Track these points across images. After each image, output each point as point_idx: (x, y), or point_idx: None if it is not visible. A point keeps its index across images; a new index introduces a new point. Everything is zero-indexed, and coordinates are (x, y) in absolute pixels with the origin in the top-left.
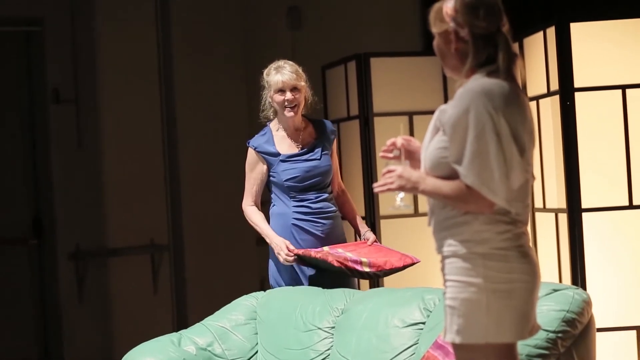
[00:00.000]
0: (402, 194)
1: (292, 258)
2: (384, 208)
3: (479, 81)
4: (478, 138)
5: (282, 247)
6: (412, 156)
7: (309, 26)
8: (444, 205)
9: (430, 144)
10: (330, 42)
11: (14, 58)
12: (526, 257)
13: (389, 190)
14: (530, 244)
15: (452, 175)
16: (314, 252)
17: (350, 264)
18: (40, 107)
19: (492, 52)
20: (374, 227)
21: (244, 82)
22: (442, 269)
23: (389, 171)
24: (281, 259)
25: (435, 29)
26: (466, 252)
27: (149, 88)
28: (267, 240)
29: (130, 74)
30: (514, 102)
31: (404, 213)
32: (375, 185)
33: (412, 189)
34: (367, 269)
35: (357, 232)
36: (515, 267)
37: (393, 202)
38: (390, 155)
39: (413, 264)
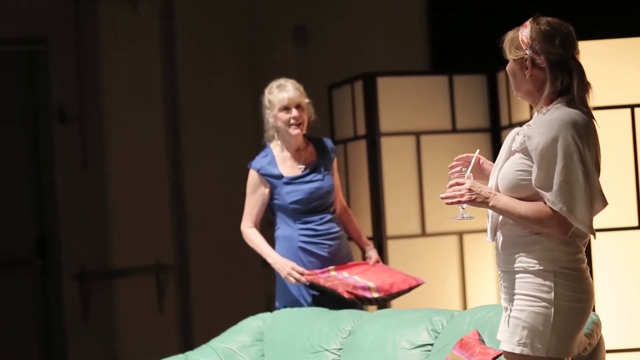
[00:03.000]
0: (465, 204)
1: (305, 277)
2: (391, 229)
3: (563, 111)
4: (566, 167)
5: (287, 269)
6: (479, 172)
7: (315, 45)
8: (515, 223)
9: (506, 165)
10: (337, 60)
11: (18, 77)
12: (588, 279)
13: (459, 202)
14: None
15: (530, 197)
16: (323, 280)
17: (359, 292)
18: (44, 126)
19: (567, 78)
20: (381, 247)
21: (250, 100)
22: (506, 283)
23: (458, 184)
24: (293, 280)
25: (511, 56)
26: (538, 269)
27: (154, 107)
28: (270, 262)
29: (135, 93)
30: (593, 132)
31: (467, 222)
32: (443, 196)
33: (482, 203)
34: (375, 295)
35: (362, 250)
36: (581, 287)
37: (455, 212)
38: (456, 169)
39: (418, 285)
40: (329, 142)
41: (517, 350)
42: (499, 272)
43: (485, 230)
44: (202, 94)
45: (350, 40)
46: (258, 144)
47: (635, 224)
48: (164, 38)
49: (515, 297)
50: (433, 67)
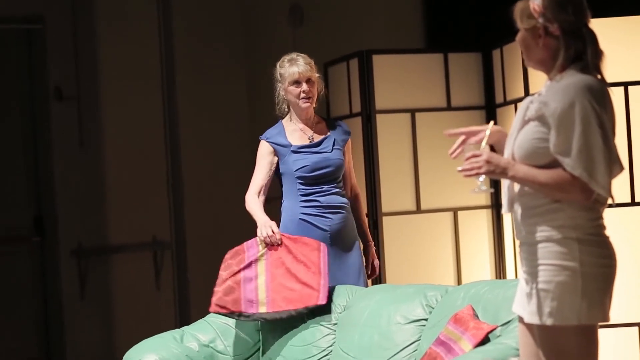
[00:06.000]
0: (482, 177)
1: (274, 236)
2: (386, 205)
3: (577, 77)
4: (585, 132)
5: (265, 228)
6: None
7: (310, 23)
8: (535, 193)
9: (521, 133)
10: (332, 39)
11: (15, 56)
12: (611, 243)
13: (477, 174)
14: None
15: (548, 165)
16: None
17: (243, 307)
18: (42, 104)
19: (580, 47)
20: (376, 224)
21: (246, 80)
22: (526, 254)
23: (475, 155)
24: (259, 234)
25: (522, 25)
26: (561, 237)
27: (151, 85)
28: (257, 223)
29: (132, 71)
30: (608, 98)
31: (484, 195)
32: (461, 169)
33: (501, 174)
34: (263, 309)
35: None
36: (605, 252)
37: (473, 185)
38: (472, 140)
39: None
40: (344, 125)
41: (549, 322)
42: (519, 244)
43: (478, 207)
44: (198, 72)
45: (346, 19)
46: (254, 123)
47: (628, 200)
48: (160, 18)
49: (539, 268)
50: (428, 44)
